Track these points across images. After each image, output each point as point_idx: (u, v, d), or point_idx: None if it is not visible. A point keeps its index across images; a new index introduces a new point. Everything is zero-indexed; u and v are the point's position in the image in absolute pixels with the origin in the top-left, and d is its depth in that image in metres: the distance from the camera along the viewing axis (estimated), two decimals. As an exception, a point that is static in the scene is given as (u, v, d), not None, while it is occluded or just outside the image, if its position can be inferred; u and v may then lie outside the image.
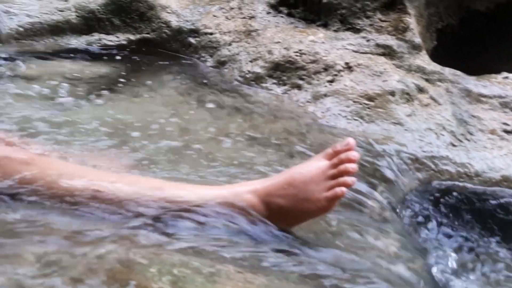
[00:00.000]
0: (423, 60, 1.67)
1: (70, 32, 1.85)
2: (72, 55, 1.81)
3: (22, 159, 0.97)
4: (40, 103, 1.52)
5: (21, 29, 1.80)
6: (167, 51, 1.88)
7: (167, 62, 1.85)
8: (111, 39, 1.88)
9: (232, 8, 1.90)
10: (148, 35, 1.89)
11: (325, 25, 1.73)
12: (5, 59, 1.71)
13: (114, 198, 0.92)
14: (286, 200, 0.93)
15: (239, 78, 1.68)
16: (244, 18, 1.84)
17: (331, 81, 1.52)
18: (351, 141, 0.95)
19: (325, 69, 1.54)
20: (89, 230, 0.86)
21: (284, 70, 1.60)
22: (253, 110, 1.51)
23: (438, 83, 1.64)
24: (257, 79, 1.63)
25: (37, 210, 0.93)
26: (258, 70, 1.65)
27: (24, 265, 0.71)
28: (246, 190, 0.94)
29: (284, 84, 1.58)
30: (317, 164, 0.94)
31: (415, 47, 1.67)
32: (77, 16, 1.86)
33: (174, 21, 1.89)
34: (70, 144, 1.31)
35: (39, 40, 1.81)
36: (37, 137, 1.28)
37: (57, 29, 1.84)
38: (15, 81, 1.62)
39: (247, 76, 1.66)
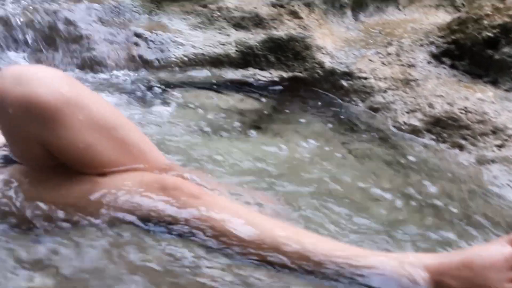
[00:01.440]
0: None
1: (228, 65, 1.93)
2: (227, 87, 1.89)
3: (192, 192, 0.99)
4: (194, 132, 1.60)
5: (185, 58, 1.93)
6: (317, 91, 1.88)
7: (316, 103, 1.84)
8: (264, 75, 1.92)
9: (389, 54, 1.85)
10: (300, 74, 1.91)
11: (494, 83, 1.59)
12: (167, 85, 1.85)
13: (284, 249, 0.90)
14: (459, 283, 0.84)
15: (393, 128, 1.60)
16: (402, 65, 1.77)
17: (500, 146, 1.38)
18: (544, 229, 0.84)
19: (494, 132, 1.41)
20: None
21: (445, 127, 1.49)
22: (407, 165, 1.42)
23: None
24: (414, 132, 1.55)
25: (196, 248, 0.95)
26: (415, 122, 1.56)
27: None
28: (415, 263, 0.87)
29: (444, 142, 1.47)
30: (500, 250, 0.84)
31: None
32: (237, 50, 1.94)
33: (328, 62, 1.89)
34: (218, 177, 1.35)
35: (199, 70, 1.92)
36: (188, 166, 1.34)
37: (217, 61, 1.93)
38: (174, 108, 1.73)
39: (402, 127, 1.58)
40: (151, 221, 0.99)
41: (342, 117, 1.75)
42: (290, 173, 1.40)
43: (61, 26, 1.89)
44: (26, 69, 0.96)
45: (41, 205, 1.01)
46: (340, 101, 1.83)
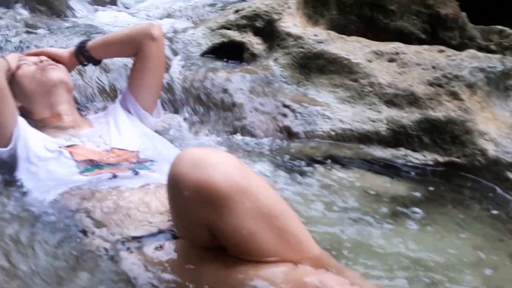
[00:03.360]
0: None
1: (377, 143, 1.84)
2: (375, 166, 1.80)
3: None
4: (340, 216, 1.51)
5: (332, 133, 1.88)
6: (477, 180, 1.71)
7: (476, 193, 1.66)
8: (417, 157, 1.80)
9: None
10: (457, 159, 1.75)
11: None
12: (313, 160, 1.80)
13: None
14: None
15: None
16: None
17: None
18: None
19: None
20: None
21: None
22: None
23: None
24: None
25: None
26: None
27: None
28: None
29: None
30: None
31: None
32: (388, 128, 1.85)
33: (492, 150, 1.71)
34: (368, 267, 1.25)
35: (346, 146, 1.86)
36: (336, 255, 1.25)
37: (366, 138, 1.86)
38: (319, 185, 1.66)
39: None
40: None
41: (507, 214, 1.55)
42: (447, 275, 1.25)
43: (216, 93, 1.98)
44: (203, 153, 0.99)
45: (199, 282, 1.03)
46: (504, 195, 1.63)
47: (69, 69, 1.75)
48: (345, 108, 1.94)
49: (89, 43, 1.73)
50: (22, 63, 1.63)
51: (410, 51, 2.05)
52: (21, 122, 1.51)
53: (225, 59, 2.27)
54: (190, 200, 0.96)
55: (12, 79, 1.61)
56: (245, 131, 1.89)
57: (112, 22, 2.73)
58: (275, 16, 2.30)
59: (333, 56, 2.07)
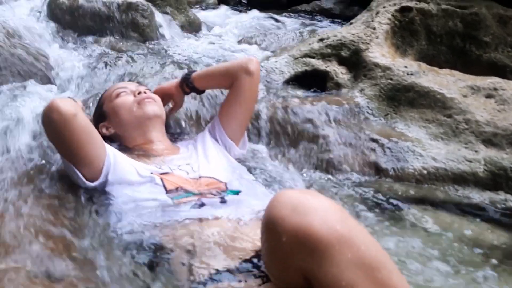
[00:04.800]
0: None
1: (473, 185, 1.71)
2: (471, 210, 1.66)
3: None
4: (433, 264, 1.40)
5: (424, 171, 1.77)
6: None
7: None
8: (518, 203, 1.65)
9: None
10: None
11: None
12: (403, 199, 1.70)
13: None
14: None
15: None
16: None
17: None
18: None
19: None
20: None
21: None
22: None
23: None
24: None
25: None
26: None
27: None
28: None
29: None
30: None
31: None
32: (485, 170, 1.72)
33: None
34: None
35: (439, 186, 1.74)
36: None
37: (461, 179, 1.73)
38: (410, 229, 1.55)
39: None
40: None
41: None
42: None
43: (299, 124, 1.92)
44: (303, 197, 0.94)
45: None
46: None
47: (177, 99, 1.81)
48: (438, 145, 1.82)
49: (193, 75, 1.78)
50: (121, 91, 1.68)
51: (509, 87, 1.91)
52: (110, 151, 1.50)
53: (308, 88, 2.24)
54: (288, 245, 0.92)
55: (110, 106, 1.68)
56: (330, 165, 1.82)
57: (192, 48, 2.78)
58: (362, 46, 2.24)
59: (425, 90, 1.96)
